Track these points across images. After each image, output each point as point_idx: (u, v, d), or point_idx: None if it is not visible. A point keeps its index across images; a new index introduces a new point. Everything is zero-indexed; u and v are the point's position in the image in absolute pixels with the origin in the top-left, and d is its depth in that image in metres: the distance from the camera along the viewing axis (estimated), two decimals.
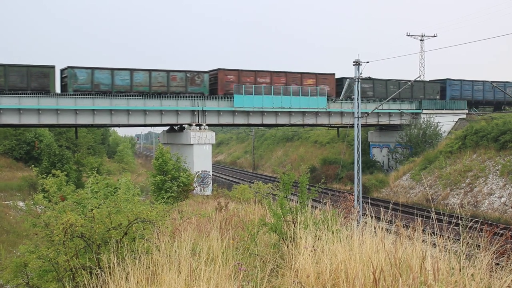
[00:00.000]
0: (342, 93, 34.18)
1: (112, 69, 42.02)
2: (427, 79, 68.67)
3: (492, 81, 53.46)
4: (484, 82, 59.60)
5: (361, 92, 44.74)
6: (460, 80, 59.26)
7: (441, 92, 57.71)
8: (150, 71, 43.45)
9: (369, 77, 41.74)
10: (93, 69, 41.33)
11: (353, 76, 30.15)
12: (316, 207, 12.09)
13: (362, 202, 27.95)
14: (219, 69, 46.41)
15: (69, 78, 40.65)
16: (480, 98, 60.07)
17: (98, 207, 9.20)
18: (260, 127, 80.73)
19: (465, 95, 58.59)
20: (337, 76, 51.85)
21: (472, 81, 59.67)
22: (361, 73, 29.63)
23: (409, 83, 44.91)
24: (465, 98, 58.18)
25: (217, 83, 46.04)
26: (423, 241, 6.86)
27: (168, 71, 44.25)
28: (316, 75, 49.97)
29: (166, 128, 51.24)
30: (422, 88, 56.55)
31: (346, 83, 32.42)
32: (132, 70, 42.82)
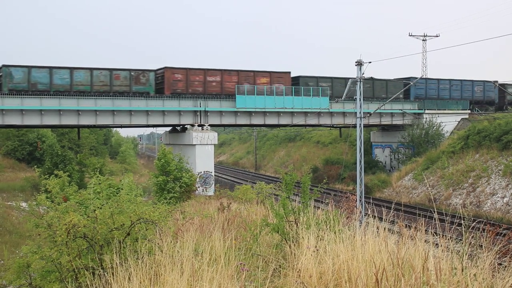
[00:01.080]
0: (344, 93, 34.09)
1: (51, 68, 40.49)
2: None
3: (462, 80, 53.69)
4: (450, 80, 58.11)
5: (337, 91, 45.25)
6: (425, 79, 57.65)
7: (406, 90, 55.06)
8: (91, 69, 41.81)
9: (368, 76, 41.70)
10: (30, 67, 39.73)
11: (349, 77, 30.10)
12: (318, 208, 12.09)
13: (365, 202, 27.94)
14: (165, 67, 44.48)
15: (4, 77, 39.22)
16: (447, 97, 58.15)
17: (101, 208, 9.21)
18: (262, 128, 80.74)
19: (431, 94, 56.66)
20: (293, 75, 49.83)
21: (438, 79, 57.94)
22: (363, 73, 29.57)
23: (411, 83, 44.90)
24: (431, 97, 56.31)
25: (164, 82, 44.32)
26: (425, 241, 6.86)
27: (111, 70, 42.51)
28: (270, 73, 48.01)
29: (169, 128, 51.27)
30: (384, 86, 53.81)
31: (349, 83, 32.32)
32: (72, 69, 41.16)
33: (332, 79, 51.24)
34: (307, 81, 49.69)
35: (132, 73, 42.98)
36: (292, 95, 48.29)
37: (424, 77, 58.09)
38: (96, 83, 41.65)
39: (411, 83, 48.11)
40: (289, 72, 48.99)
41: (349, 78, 50.17)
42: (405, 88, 49.83)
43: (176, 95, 44.32)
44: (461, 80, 57.41)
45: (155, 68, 45.03)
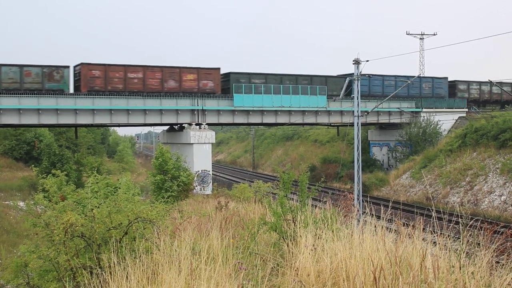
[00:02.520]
0: (342, 92, 34.15)
1: None
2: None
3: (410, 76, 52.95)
4: (396, 76, 55.81)
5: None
6: (382, 76, 55.17)
7: (348, 87, 53.62)
8: None
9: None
10: None
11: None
12: (316, 206, 12.09)
13: (362, 201, 27.95)
14: (82, 63, 41.95)
15: None
16: (391, 94, 56.49)
17: (98, 207, 9.20)
18: (260, 126, 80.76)
19: (374, 91, 53.95)
20: (222, 71, 47.80)
21: (383, 76, 55.37)
22: (361, 72, 29.61)
23: (410, 81, 44.92)
24: (374, 94, 53.58)
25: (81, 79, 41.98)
26: (423, 239, 6.87)
27: (21, 66, 39.89)
28: (197, 69, 45.49)
29: (166, 127, 51.28)
30: (323, 83, 51.04)
31: (346, 81, 32.37)
32: None
33: (266, 75, 48.72)
34: (238, 77, 47.42)
35: (45, 70, 40.43)
36: (280, 93, 48.31)
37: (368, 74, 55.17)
38: (5, 80, 39.20)
39: (348, 79, 46.91)
40: (219, 69, 46.74)
41: (307, 76, 49.85)
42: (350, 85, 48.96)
43: (173, 94, 44.31)
44: (407, 77, 54.69)
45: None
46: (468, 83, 61.40)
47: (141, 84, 43.10)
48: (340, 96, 36.31)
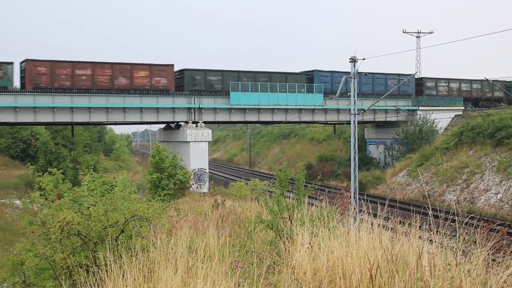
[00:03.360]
0: (338, 90, 34.13)
1: None
2: (424, 76, 68.60)
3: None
4: (360, 73, 54.51)
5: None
6: (331, 72, 52.48)
7: (309, 84, 50.89)
8: None
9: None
10: None
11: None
12: (312, 204, 12.10)
13: (359, 199, 27.98)
14: (27, 59, 40.30)
15: None
16: (357, 90, 54.97)
17: (95, 205, 9.19)
18: (256, 124, 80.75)
19: (337, 88, 52.16)
20: (177, 68, 46.41)
21: (348, 72, 53.93)
22: (357, 70, 29.62)
23: (406, 79, 44.94)
24: (336, 91, 51.92)
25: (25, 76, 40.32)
26: (419, 237, 6.88)
27: None
28: (150, 66, 43.86)
29: (163, 125, 51.27)
30: (283, 80, 49.32)
31: (343, 79, 32.36)
32: None
33: (222, 72, 46.99)
34: (193, 74, 45.80)
35: None
36: (287, 91, 48.30)
37: (329, 70, 52.17)
38: None
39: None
40: (172, 65, 45.08)
41: (266, 73, 48.53)
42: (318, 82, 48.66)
43: (172, 92, 44.25)
44: (372, 73, 53.64)
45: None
46: (436, 80, 59.78)
47: (90, 81, 41.57)
48: (337, 95, 36.23)
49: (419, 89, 58.22)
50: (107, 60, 44.42)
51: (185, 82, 45.30)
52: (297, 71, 53.16)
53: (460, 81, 60.67)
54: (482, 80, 61.42)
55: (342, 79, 32.15)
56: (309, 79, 51.06)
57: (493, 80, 52.43)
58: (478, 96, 61.55)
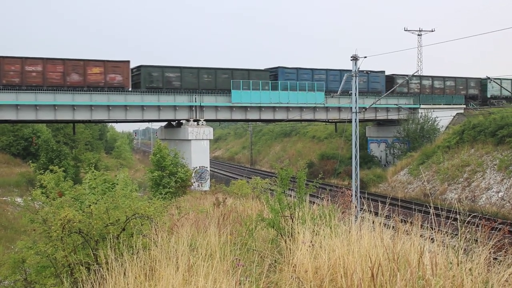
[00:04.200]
0: (340, 88, 34.11)
1: None
2: (425, 73, 68.52)
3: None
4: (327, 70, 52.08)
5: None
6: (296, 68, 50.94)
7: (274, 80, 49.52)
8: None
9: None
10: None
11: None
12: (314, 202, 12.09)
13: (360, 197, 27.98)
14: None
15: None
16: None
17: (96, 203, 9.18)
18: (258, 123, 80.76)
19: (303, 85, 49.97)
20: (133, 65, 45.55)
21: (312, 69, 51.52)
22: (359, 68, 29.60)
23: (407, 78, 44.89)
24: (304, 88, 49.85)
25: None
26: (421, 236, 6.87)
27: None
28: (104, 62, 42.25)
29: (164, 123, 51.29)
30: (246, 77, 47.79)
31: (344, 77, 32.33)
32: None
33: (181, 68, 45.57)
34: (150, 71, 44.50)
35: None
36: (288, 90, 48.25)
37: (295, 67, 50.63)
38: None
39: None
40: (128, 61, 43.61)
41: (227, 69, 47.11)
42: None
43: (172, 90, 44.24)
44: (340, 70, 51.76)
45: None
46: (407, 77, 55.46)
47: (41, 78, 40.18)
48: (338, 93, 36.18)
49: (390, 86, 54.61)
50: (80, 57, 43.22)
51: (141, 79, 44.27)
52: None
53: (433, 78, 59.23)
54: (456, 78, 60.72)
55: (344, 77, 32.06)
56: (273, 76, 49.71)
57: (494, 78, 52.37)
58: (452, 94, 59.57)
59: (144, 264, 6.65)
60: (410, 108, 55.23)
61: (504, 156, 39.21)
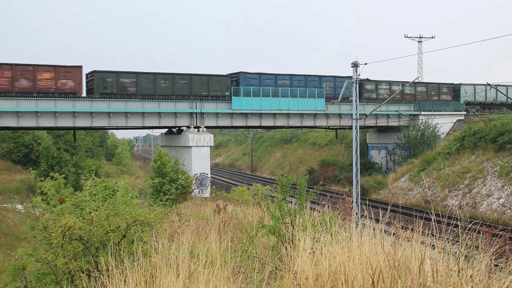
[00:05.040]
0: (340, 95, 34.16)
1: None
2: (425, 80, 68.56)
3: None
4: (291, 76, 50.86)
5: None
6: (259, 74, 49.37)
7: (236, 87, 48.23)
8: None
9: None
10: None
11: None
12: (314, 209, 12.08)
13: (361, 204, 27.95)
14: None
15: None
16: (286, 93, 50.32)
17: (97, 210, 9.18)
18: (258, 129, 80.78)
19: (266, 91, 48.79)
20: (87, 71, 44.43)
21: (276, 74, 50.20)
22: (359, 75, 29.64)
23: (407, 84, 44.91)
24: (267, 94, 48.66)
25: None
26: (422, 242, 6.87)
27: None
28: (55, 68, 40.43)
29: (165, 130, 51.31)
30: (205, 83, 46.43)
31: (344, 84, 32.37)
32: None
33: (137, 74, 43.79)
34: (104, 76, 42.60)
35: None
36: (288, 96, 48.27)
37: (257, 72, 49.47)
38: None
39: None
40: (81, 67, 41.75)
41: (185, 75, 45.48)
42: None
43: (174, 97, 44.26)
44: (305, 76, 51.40)
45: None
46: (377, 82, 55.62)
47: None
48: (338, 99, 36.25)
49: (359, 92, 54.83)
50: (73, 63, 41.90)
51: (95, 84, 42.69)
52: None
53: (403, 83, 57.42)
54: (427, 83, 59.96)
55: (344, 84, 32.10)
56: (235, 81, 48.61)
57: (495, 85, 52.31)
58: (423, 99, 58.25)
59: (145, 271, 6.65)
60: (410, 114, 55.26)
61: (505, 163, 39.18)
